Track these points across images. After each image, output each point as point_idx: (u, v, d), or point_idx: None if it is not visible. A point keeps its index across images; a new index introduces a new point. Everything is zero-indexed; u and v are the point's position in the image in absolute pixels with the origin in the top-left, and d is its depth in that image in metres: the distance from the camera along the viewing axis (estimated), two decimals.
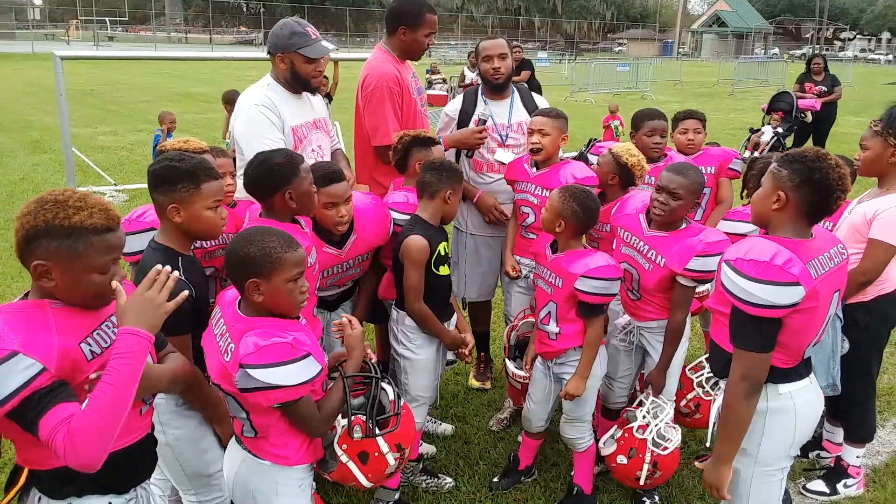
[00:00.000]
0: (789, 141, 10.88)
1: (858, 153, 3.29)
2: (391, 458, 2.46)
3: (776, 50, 60.59)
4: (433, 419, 4.01)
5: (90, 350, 1.77)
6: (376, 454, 2.43)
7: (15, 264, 5.91)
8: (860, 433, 3.48)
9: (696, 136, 4.12)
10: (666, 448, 3.02)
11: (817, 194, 2.17)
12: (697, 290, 3.19)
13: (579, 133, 13.56)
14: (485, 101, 3.97)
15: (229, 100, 8.07)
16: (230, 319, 2.13)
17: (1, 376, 1.59)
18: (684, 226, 3.06)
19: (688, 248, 2.95)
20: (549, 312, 3.14)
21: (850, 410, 3.47)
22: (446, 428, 3.97)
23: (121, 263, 1.89)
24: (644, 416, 3.09)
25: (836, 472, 3.53)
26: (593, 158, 3.89)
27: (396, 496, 3.23)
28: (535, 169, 3.62)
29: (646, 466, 3.02)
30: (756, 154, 9.65)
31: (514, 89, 4.05)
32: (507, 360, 3.59)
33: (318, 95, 3.68)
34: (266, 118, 3.23)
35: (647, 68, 26.46)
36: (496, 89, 3.94)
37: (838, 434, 3.62)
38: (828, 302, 2.23)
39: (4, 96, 18.81)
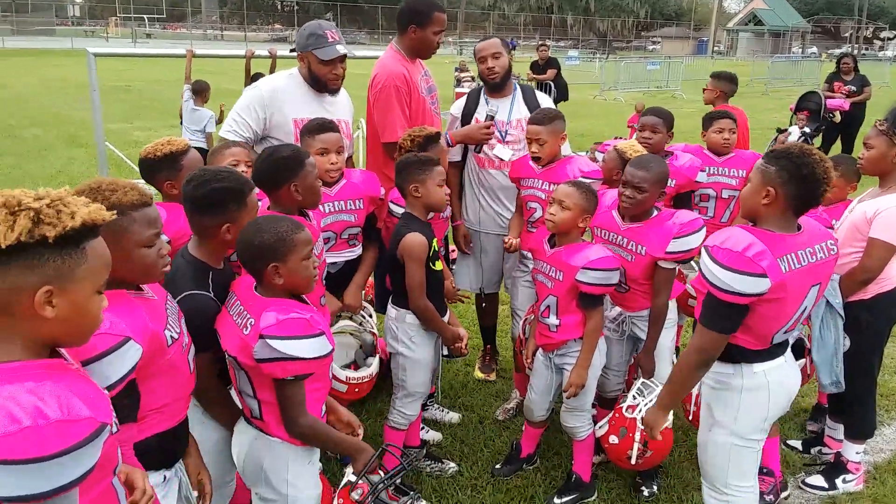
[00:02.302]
0: (817, 141, 10.79)
1: (863, 151, 3.33)
2: None
3: (814, 49, 59.54)
4: (441, 408, 4.13)
5: (170, 335, 1.95)
6: None
7: None
8: (860, 429, 3.52)
9: (731, 136, 4.17)
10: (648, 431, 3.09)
11: (805, 188, 2.30)
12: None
13: (607, 132, 13.60)
14: (486, 100, 4.07)
15: (197, 90, 8.19)
16: (248, 300, 2.26)
17: (117, 360, 1.72)
18: (655, 213, 3.19)
19: (664, 232, 3.10)
20: (550, 305, 3.23)
21: (851, 407, 3.51)
22: (453, 416, 4.09)
23: None
24: (634, 397, 3.18)
25: (835, 468, 3.58)
26: (601, 156, 3.99)
27: (397, 480, 3.34)
28: (540, 166, 3.71)
29: (636, 445, 3.12)
30: None
31: (517, 87, 4.14)
32: (521, 351, 3.71)
33: (348, 98, 3.86)
34: (251, 99, 3.52)
35: (678, 67, 26.25)
36: (494, 88, 4.04)
37: (840, 430, 3.65)
38: (801, 294, 2.37)
39: (42, 91, 19.36)
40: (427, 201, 3.15)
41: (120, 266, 1.77)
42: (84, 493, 1.43)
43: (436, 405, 4.12)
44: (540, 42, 16.40)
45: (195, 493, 2.27)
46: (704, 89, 5.83)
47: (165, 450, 2.07)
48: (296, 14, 57.60)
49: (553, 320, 3.22)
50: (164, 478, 2.08)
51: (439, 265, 3.22)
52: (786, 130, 11.12)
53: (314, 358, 2.16)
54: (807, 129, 10.73)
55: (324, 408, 2.42)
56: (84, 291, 1.42)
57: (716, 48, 63.50)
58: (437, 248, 3.22)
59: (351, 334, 3.43)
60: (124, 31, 52.24)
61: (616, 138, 4.31)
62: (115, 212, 1.49)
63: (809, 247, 2.36)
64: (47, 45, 37.74)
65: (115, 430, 1.48)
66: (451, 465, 3.62)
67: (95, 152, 8.15)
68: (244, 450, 2.39)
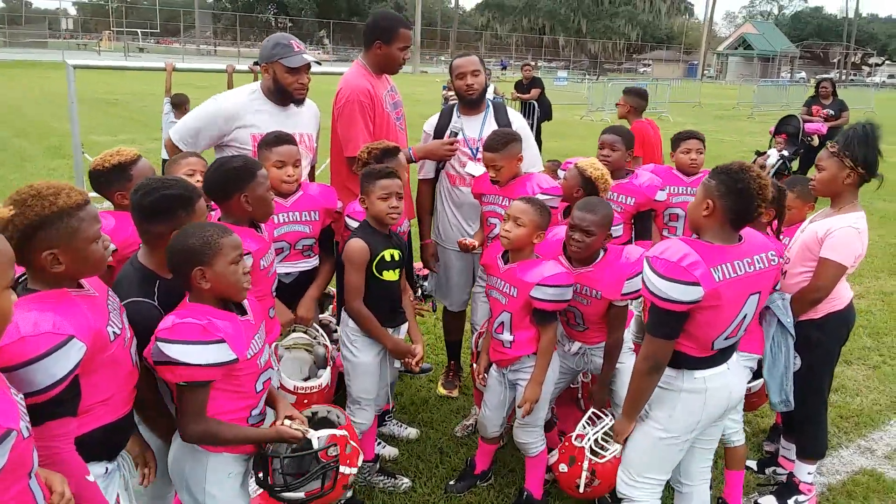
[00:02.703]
0: (795, 164, 10.88)
1: (815, 173, 3.36)
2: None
3: (803, 74, 60.21)
4: (399, 423, 4.11)
5: (112, 331, 2.00)
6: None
7: None
8: (811, 449, 3.52)
9: (698, 157, 4.25)
10: (604, 456, 3.04)
11: (740, 202, 2.44)
12: None
13: (591, 152, 13.62)
14: (458, 116, 4.11)
15: (176, 103, 8.24)
16: (180, 306, 2.28)
17: (62, 357, 1.78)
18: (602, 255, 3.16)
19: (616, 274, 3.08)
20: (504, 322, 3.22)
21: (802, 426, 3.51)
22: (411, 432, 4.07)
23: None
24: (584, 426, 3.16)
25: (787, 488, 3.57)
26: (562, 173, 4.01)
27: (348, 494, 3.33)
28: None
29: (584, 474, 3.06)
30: None
31: (489, 104, 4.18)
32: (472, 364, 3.69)
33: (313, 111, 3.88)
34: (215, 112, 3.56)
35: (664, 89, 26.48)
36: (470, 104, 4.07)
37: (794, 451, 3.65)
38: (738, 302, 2.49)
39: (29, 103, 19.37)
40: (370, 213, 3.20)
41: (73, 263, 1.90)
42: None
43: (394, 420, 4.11)
44: (524, 62, 16.50)
45: (137, 472, 2.33)
46: (617, 104, 6.08)
47: (110, 441, 2.10)
48: (288, 30, 57.84)
49: (507, 336, 3.22)
50: (107, 469, 2.11)
51: (390, 275, 3.23)
52: (764, 153, 11.22)
53: (204, 365, 2.14)
54: (785, 153, 10.83)
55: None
56: None
57: (706, 72, 64.15)
58: (394, 258, 3.23)
59: (305, 348, 3.42)
60: (117, 44, 52.38)
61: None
62: (11, 208, 1.50)
63: (748, 257, 2.49)
64: (39, 57, 37.74)
65: (25, 435, 1.49)
66: (405, 481, 3.60)
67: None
68: (172, 454, 2.40)
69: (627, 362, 3.26)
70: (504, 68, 46.99)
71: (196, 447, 2.30)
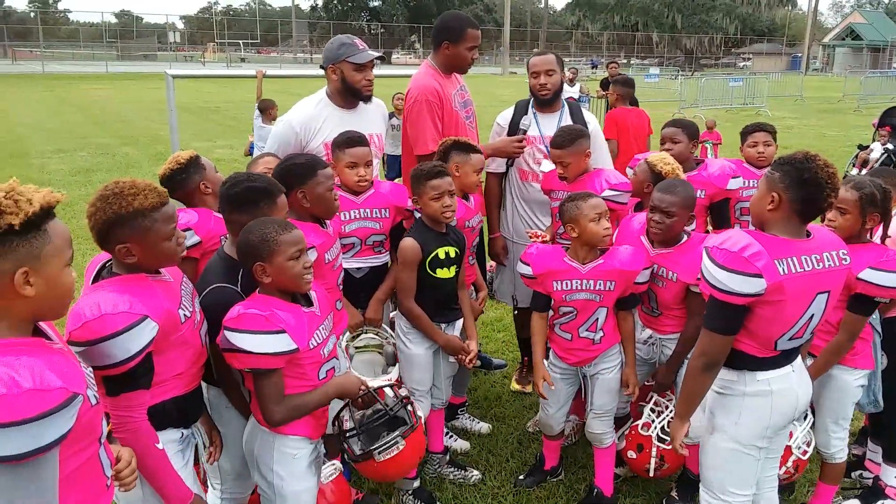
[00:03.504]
0: None
1: None
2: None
3: None
4: (472, 417, 4.17)
5: (183, 314, 2.19)
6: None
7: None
8: None
9: (766, 149, 4.13)
10: (671, 442, 3.07)
11: (807, 193, 2.29)
12: None
13: None
14: (534, 114, 4.13)
15: (262, 108, 8.65)
16: (250, 296, 2.43)
17: (136, 335, 1.98)
18: (685, 238, 3.13)
19: (696, 258, 2.98)
20: (598, 319, 3.19)
21: (890, 428, 3.36)
22: (483, 426, 4.11)
23: None
24: (648, 415, 3.16)
25: (872, 492, 3.42)
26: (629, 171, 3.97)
27: (416, 484, 3.41)
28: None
29: (653, 460, 3.20)
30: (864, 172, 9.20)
31: (565, 104, 4.18)
32: None
33: (381, 110, 3.97)
34: (285, 137, 3.65)
35: (763, 83, 25.46)
36: (543, 104, 4.09)
37: (881, 454, 3.49)
38: (804, 299, 2.35)
39: (137, 113, 20.56)
40: (425, 213, 3.24)
41: (145, 257, 2.11)
42: (70, 460, 1.62)
43: (466, 414, 4.16)
44: (609, 59, 16.27)
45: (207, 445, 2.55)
46: (607, 94, 6.41)
47: (181, 410, 2.30)
48: (380, 37, 59.00)
49: (599, 333, 3.22)
50: (182, 434, 2.33)
51: (444, 273, 3.27)
52: (867, 147, 10.66)
53: (265, 353, 2.25)
54: (889, 146, 10.25)
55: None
56: (55, 267, 1.60)
57: (811, 64, 61.21)
58: (449, 256, 3.27)
59: (376, 350, 3.50)
60: (221, 55, 54.78)
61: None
62: (64, 192, 1.66)
63: (816, 253, 2.34)
64: (148, 69, 39.92)
65: (93, 402, 1.63)
66: (475, 473, 3.65)
67: None
68: (245, 436, 2.56)
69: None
70: (594, 67, 46.34)
71: (264, 429, 2.43)
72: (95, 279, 2.17)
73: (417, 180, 3.20)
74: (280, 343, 2.28)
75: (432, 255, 3.22)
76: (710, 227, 3.92)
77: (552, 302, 3.26)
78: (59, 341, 1.71)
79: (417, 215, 3.53)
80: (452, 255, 3.29)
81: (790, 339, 2.41)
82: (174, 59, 51.84)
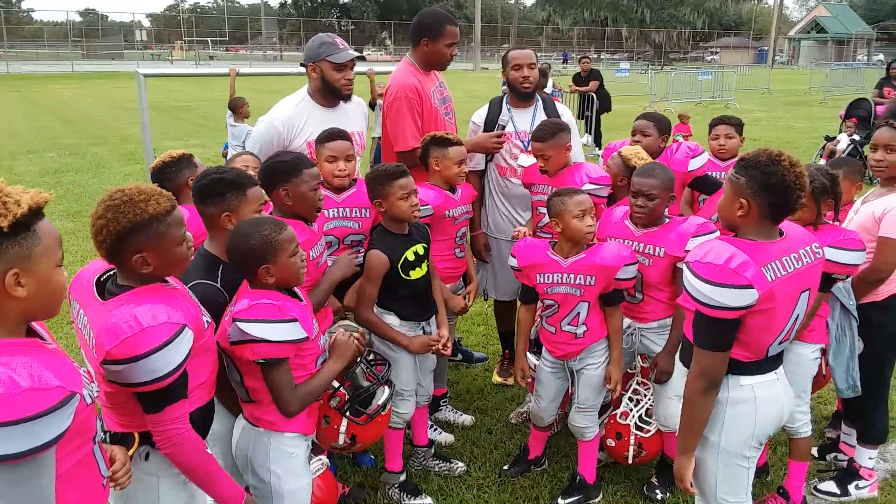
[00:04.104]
0: (867, 149, 10.50)
1: (879, 155, 3.25)
2: (340, 439, 2.79)
3: (881, 56, 57.57)
4: (454, 409, 4.21)
5: (206, 320, 2.14)
6: (334, 426, 2.77)
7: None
8: (872, 434, 3.47)
9: (727, 142, 4.23)
10: (648, 431, 3.26)
11: (777, 197, 2.22)
12: None
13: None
14: (508, 109, 4.17)
15: (233, 106, 8.57)
16: (239, 292, 2.43)
17: (180, 345, 1.93)
18: (668, 220, 3.20)
19: (682, 232, 3.11)
20: (580, 313, 3.22)
21: (863, 410, 3.46)
22: (466, 419, 4.16)
23: None
24: (626, 404, 3.23)
25: (848, 474, 3.53)
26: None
27: (402, 478, 3.45)
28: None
29: (631, 448, 3.27)
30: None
31: (538, 98, 4.23)
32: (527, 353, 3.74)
33: (361, 109, 3.98)
34: (268, 136, 3.63)
35: (731, 76, 25.79)
36: (523, 97, 4.13)
37: (854, 436, 3.60)
38: (791, 301, 2.29)
39: (105, 112, 20.26)
40: (390, 214, 3.20)
41: (160, 265, 2.03)
42: (66, 458, 1.62)
43: (449, 406, 4.20)
44: (581, 54, 16.41)
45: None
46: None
47: (205, 420, 2.25)
48: (350, 33, 58.72)
49: (581, 328, 3.25)
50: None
51: (417, 273, 3.25)
52: (834, 138, 10.89)
53: (282, 341, 2.29)
54: (856, 137, 10.49)
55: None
56: (46, 267, 1.59)
57: (777, 57, 62.06)
58: (418, 254, 3.25)
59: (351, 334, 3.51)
60: (189, 53, 54.10)
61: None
62: (51, 192, 1.65)
63: (794, 252, 2.29)
64: (115, 68, 39.35)
65: (88, 401, 1.64)
66: (459, 465, 3.69)
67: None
68: (235, 439, 2.55)
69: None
70: (565, 61, 46.61)
71: (259, 429, 2.45)
72: (101, 294, 2.06)
73: (381, 181, 3.15)
74: (293, 331, 2.31)
75: (402, 259, 3.20)
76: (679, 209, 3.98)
77: (539, 295, 3.30)
78: (52, 341, 1.70)
79: None
80: (421, 251, 3.29)
81: (780, 343, 2.36)
82: (141, 57, 51.03)
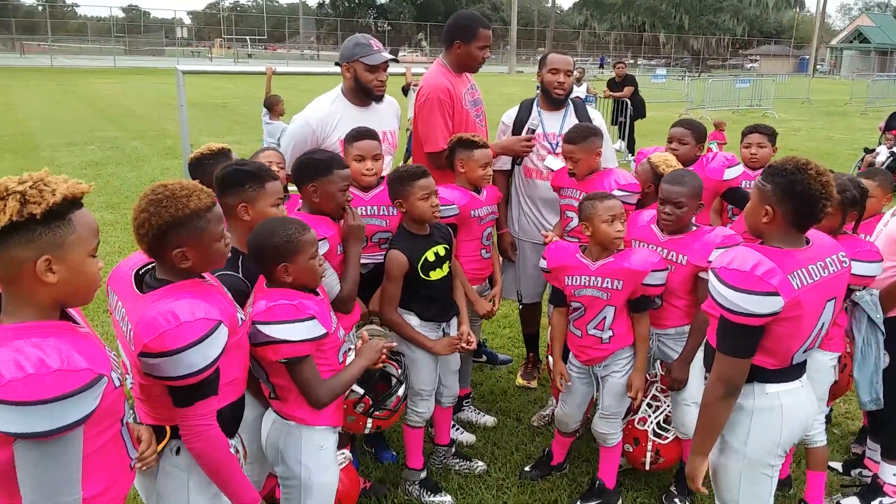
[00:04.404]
0: None
1: None
2: (366, 430, 2.98)
3: None
4: (477, 410, 4.24)
5: (240, 317, 2.17)
6: (360, 423, 2.96)
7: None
8: None
9: (759, 151, 4.20)
10: (666, 437, 3.27)
11: (802, 205, 2.22)
12: None
13: None
14: (539, 112, 4.19)
15: (269, 104, 8.72)
16: (258, 291, 2.48)
17: (216, 341, 1.94)
18: (694, 229, 3.19)
19: (707, 243, 3.11)
20: (606, 317, 3.23)
21: (888, 426, 3.42)
22: (488, 420, 4.19)
23: None
24: (645, 410, 3.24)
25: (871, 490, 3.48)
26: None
27: (422, 475, 3.50)
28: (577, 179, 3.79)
29: (648, 454, 3.30)
30: None
31: (569, 102, 4.24)
32: (549, 357, 3.76)
33: (393, 108, 4.03)
34: (303, 134, 3.67)
35: (769, 85, 25.45)
36: (555, 102, 4.15)
37: (879, 452, 3.55)
38: (817, 310, 2.29)
39: (146, 108, 20.64)
40: (410, 215, 3.24)
41: (199, 260, 2.05)
42: (95, 439, 1.69)
43: (471, 407, 4.23)
44: (616, 60, 16.31)
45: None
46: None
47: (235, 417, 2.26)
48: (387, 34, 59.03)
49: (607, 332, 3.25)
50: (231, 446, 2.25)
51: (437, 274, 3.29)
52: (873, 150, 10.71)
53: (302, 340, 2.33)
54: (895, 149, 10.30)
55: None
56: (78, 256, 1.64)
57: (818, 66, 61.04)
58: (438, 255, 3.29)
59: (382, 336, 3.55)
60: (228, 51, 54.83)
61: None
62: (91, 184, 1.71)
63: (820, 260, 2.29)
64: (156, 64, 40.03)
65: (117, 384, 1.71)
66: (480, 464, 3.72)
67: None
68: (265, 430, 2.60)
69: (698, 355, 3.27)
70: (602, 66, 46.32)
71: (290, 423, 2.50)
72: (139, 287, 2.07)
73: (402, 181, 3.19)
74: (313, 329, 2.36)
75: (422, 259, 3.24)
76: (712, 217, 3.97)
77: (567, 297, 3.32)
78: (86, 325, 1.77)
79: None
80: (442, 252, 3.31)
81: (804, 352, 2.37)
82: (181, 54, 52.00)
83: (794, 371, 2.39)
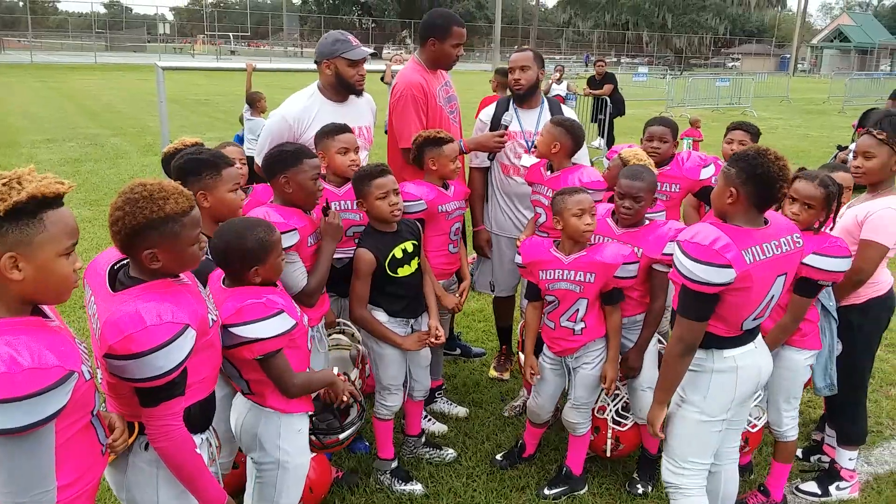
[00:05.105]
0: None
1: (857, 161, 3.35)
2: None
3: None
4: (449, 401, 4.32)
5: (211, 318, 2.17)
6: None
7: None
8: (851, 435, 3.55)
9: (740, 147, 4.23)
10: (625, 425, 3.40)
11: (761, 186, 2.50)
12: None
13: None
14: (515, 110, 4.27)
15: (251, 101, 8.77)
16: (217, 293, 2.49)
17: (183, 344, 1.94)
18: (647, 222, 3.32)
19: (660, 236, 3.23)
20: (578, 310, 3.30)
21: (842, 412, 3.54)
22: (460, 411, 4.27)
23: None
24: (604, 398, 3.35)
25: (829, 475, 3.61)
26: (607, 162, 4.13)
27: (393, 465, 3.58)
28: (549, 172, 3.88)
29: (609, 441, 3.41)
30: None
31: (544, 100, 4.33)
32: (519, 352, 3.85)
33: (369, 104, 4.09)
34: (279, 130, 3.72)
35: (749, 83, 25.71)
36: (519, 99, 4.24)
37: (836, 438, 3.67)
38: (767, 283, 2.56)
39: (126, 104, 20.56)
40: (372, 215, 3.31)
41: (169, 262, 2.05)
42: (66, 430, 1.74)
43: (444, 398, 4.31)
44: (596, 58, 16.42)
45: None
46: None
47: (205, 414, 2.27)
48: (371, 32, 58.93)
49: (580, 324, 3.33)
50: (201, 440, 2.29)
51: (405, 271, 3.34)
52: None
53: (275, 336, 2.38)
54: None
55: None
56: (47, 255, 1.66)
57: (799, 65, 61.62)
58: (406, 251, 3.34)
59: (346, 349, 3.62)
60: (211, 48, 54.49)
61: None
62: (74, 184, 1.75)
63: (775, 239, 2.56)
64: (138, 60, 39.75)
65: (87, 377, 1.75)
66: (450, 452, 3.81)
67: None
68: (240, 419, 2.64)
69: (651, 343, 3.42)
70: (587, 64, 46.52)
71: (268, 410, 2.56)
72: (112, 284, 2.08)
73: (361, 181, 3.24)
74: (284, 323, 2.40)
75: (389, 257, 3.29)
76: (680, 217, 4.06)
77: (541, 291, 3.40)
78: (57, 320, 1.81)
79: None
80: (410, 249, 3.37)
81: (754, 319, 2.64)
82: (163, 50, 51.54)
83: (746, 336, 2.68)
